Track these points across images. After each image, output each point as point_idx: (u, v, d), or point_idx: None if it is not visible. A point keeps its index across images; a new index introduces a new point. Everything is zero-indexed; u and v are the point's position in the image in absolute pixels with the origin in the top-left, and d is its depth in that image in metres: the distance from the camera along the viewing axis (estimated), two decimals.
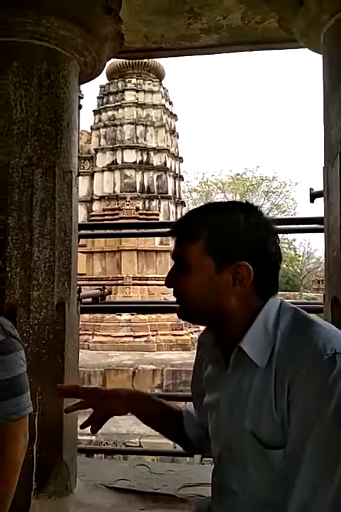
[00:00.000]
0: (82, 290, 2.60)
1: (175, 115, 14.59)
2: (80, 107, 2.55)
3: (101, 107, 13.95)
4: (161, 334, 10.92)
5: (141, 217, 11.92)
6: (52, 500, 2.03)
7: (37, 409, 1.90)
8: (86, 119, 21.73)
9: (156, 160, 13.62)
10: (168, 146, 13.82)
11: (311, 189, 2.27)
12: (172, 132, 14.37)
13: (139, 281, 11.54)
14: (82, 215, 12.65)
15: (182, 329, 11.28)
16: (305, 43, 2.17)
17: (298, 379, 0.87)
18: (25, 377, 1.40)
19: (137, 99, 13.60)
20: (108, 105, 13.83)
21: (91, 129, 14.10)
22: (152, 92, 13.77)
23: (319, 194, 2.19)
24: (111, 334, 10.85)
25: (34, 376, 1.86)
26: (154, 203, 13.57)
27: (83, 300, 2.67)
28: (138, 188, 13.44)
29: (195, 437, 1.20)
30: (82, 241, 10.33)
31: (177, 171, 14.52)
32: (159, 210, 13.31)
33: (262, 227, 0.98)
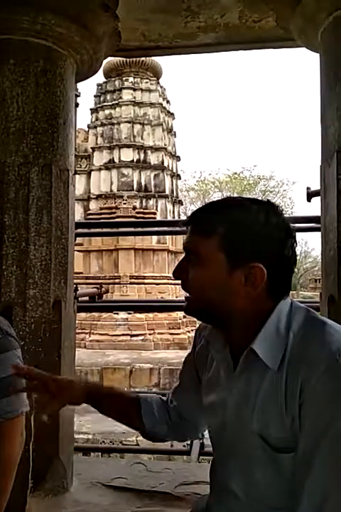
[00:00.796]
0: (79, 289, 2.60)
1: (172, 114, 14.57)
2: (77, 105, 2.54)
3: (98, 106, 13.91)
4: (158, 333, 10.92)
5: (138, 215, 11.91)
6: (48, 499, 2.03)
7: (33, 407, 1.89)
8: (83, 118, 21.72)
9: (153, 159, 13.60)
10: (165, 144, 13.80)
11: (308, 188, 2.27)
12: (170, 131, 14.35)
13: (136, 280, 11.51)
14: (78, 213, 12.61)
15: (179, 328, 11.28)
16: (302, 41, 2.17)
17: (311, 382, 0.85)
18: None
19: (134, 97, 13.57)
20: (105, 104, 13.80)
21: (89, 127, 14.06)
22: (149, 90, 13.74)
23: (316, 193, 2.19)
24: (108, 333, 10.85)
25: None
26: (151, 201, 13.55)
27: (80, 299, 2.66)
28: (135, 186, 13.42)
29: (151, 424, 1.17)
30: (79, 239, 10.29)
31: (174, 170, 14.51)
32: (156, 209, 13.30)
33: (281, 229, 0.94)
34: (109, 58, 12.97)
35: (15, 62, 2.03)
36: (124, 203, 12.75)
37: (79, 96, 2.55)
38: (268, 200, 1.00)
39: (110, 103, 13.71)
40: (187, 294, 0.99)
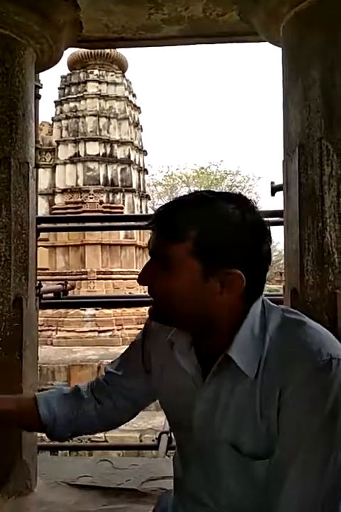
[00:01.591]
0: (43, 285, 2.55)
1: (138, 108, 14.48)
2: (39, 96, 2.48)
3: (62, 98, 13.66)
4: (126, 328, 10.87)
5: (104, 210, 11.79)
6: (12, 500, 1.99)
7: None
8: (47, 110, 21.27)
9: (120, 153, 13.49)
10: (131, 138, 13.71)
11: (272, 183, 2.29)
12: (136, 125, 14.26)
13: (104, 276, 11.43)
14: (43, 208, 12.38)
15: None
16: (265, 35, 2.18)
17: (292, 384, 0.82)
18: None
19: (100, 90, 13.39)
20: (70, 96, 13.56)
21: (53, 120, 13.79)
22: (115, 83, 13.59)
23: (279, 188, 2.21)
24: (75, 329, 10.72)
25: None
26: (118, 196, 13.45)
27: (44, 295, 2.61)
28: (101, 180, 13.28)
29: (51, 420, 1.07)
30: (44, 235, 10.11)
31: (141, 164, 14.45)
32: (123, 204, 13.21)
33: (258, 227, 0.88)
34: (73, 50, 12.76)
35: None
36: (91, 198, 12.59)
37: (41, 87, 2.48)
38: (240, 193, 0.93)
39: (75, 96, 13.48)
40: (156, 300, 0.91)
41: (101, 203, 12.59)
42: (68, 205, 12.50)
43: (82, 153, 13.27)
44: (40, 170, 12.20)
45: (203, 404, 0.92)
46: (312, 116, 1.84)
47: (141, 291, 11.51)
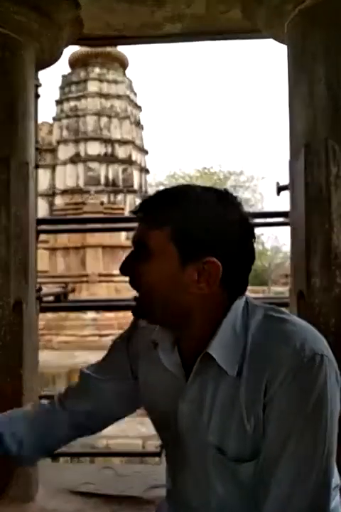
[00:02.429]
0: (44, 288, 2.51)
1: (139, 106, 14.45)
2: (38, 95, 2.44)
3: (63, 98, 13.60)
4: None
5: (105, 211, 11.75)
6: (13, 507, 1.98)
7: None
8: (48, 110, 21.27)
9: (121, 152, 13.45)
10: (133, 138, 13.66)
11: (278, 183, 2.27)
12: (137, 124, 14.23)
13: (105, 279, 11.38)
14: (43, 209, 12.33)
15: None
16: (268, 33, 2.15)
17: (277, 382, 0.82)
18: None
19: (100, 89, 13.34)
20: (70, 95, 13.51)
21: (54, 120, 13.75)
22: (116, 82, 13.53)
23: (285, 187, 2.18)
24: (76, 333, 10.65)
25: None
26: (119, 196, 13.41)
27: (45, 299, 2.57)
28: (102, 181, 13.23)
29: (17, 445, 1.02)
30: (44, 237, 10.08)
31: (142, 164, 14.41)
32: (125, 205, 13.18)
33: (240, 223, 0.88)
34: (74, 48, 12.75)
35: None
36: (91, 199, 12.55)
37: (40, 86, 2.45)
38: (226, 189, 0.92)
39: (75, 95, 13.43)
40: (136, 294, 0.90)
41: (102, 203, 12.54)
42: (68, 207, 12.46)
43: (82, 153, 13.22)
44: (40, 170, 12.12)
45: (187, 405, 0.91)
46: (318, 115, 1.82)
47: None
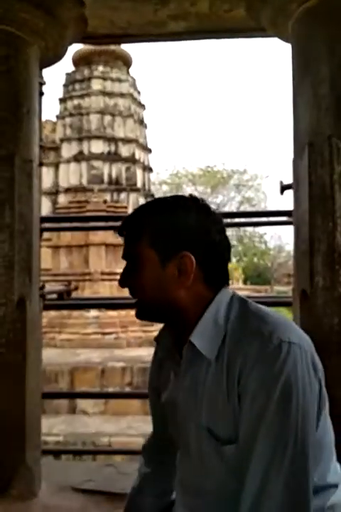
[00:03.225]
0: (47, 286, 2.52)
1: (143, 105, 14.41)
2: (42, 93, 2.44)
3: (66, 96, 13.58)
4: (131, 331, 10.77)
5: (109, 210, 11.74)
6: (16, 504, 1.98)
7: None
8: (51, 108, 21.27)
9: (124, 151, 13.42)
10: (136, 136, 13.63)
11: (281, 182, 2.26)
12: (141, 122, 14.19)
13: (108, 277, 11.35)
14: (46, 207, 12.31)
15: (152, 325, 11.17)
16: (273, 31, 2.14)
17: (246, 369, 0.87)
18: None
19: (104, 87, 13.31)
20: (74, 93, 13.47)
21: (57, 118, 13.73)
22: (119, 80, 13.49)
23: (288, 186, 2.18)
24: (79, 331, 10.62)
25: None
26: (123, 195, 13.39)
27: (47, 296, 2.58)
28: (105, 179, 13.21)
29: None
30: (48, 235, 10.08)
31: (146, 163, 14.39)
32: (128, 203, 13.16)
33: (204, 217, 0.98)
34: (78, 46, 12.73)
35: None
36: (95, 197, 12.54)
37: (44, 84, 2.45)
38: (191, 194, 1.04)
39: (79, 93, 13.39)
40: (136, 300, 1.02)
41: (105, 202, 12.52)
42: (72, 205, 12.45)
43: (86, 152, 13.20)
44: (43, 168, 12.15)
45: (183, 393, 0.99)
46: (322, 114, 1.81)
47: None
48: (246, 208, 28.01)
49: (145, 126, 14.52)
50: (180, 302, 0.97)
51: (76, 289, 3.71)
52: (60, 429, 6.63)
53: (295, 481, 0.83)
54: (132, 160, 13.51)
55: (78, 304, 3.59)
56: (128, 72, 13.95)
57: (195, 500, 0.99)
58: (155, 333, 1.13)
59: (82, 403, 7.37)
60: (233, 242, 28.69)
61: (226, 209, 27.26)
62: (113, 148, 13.38)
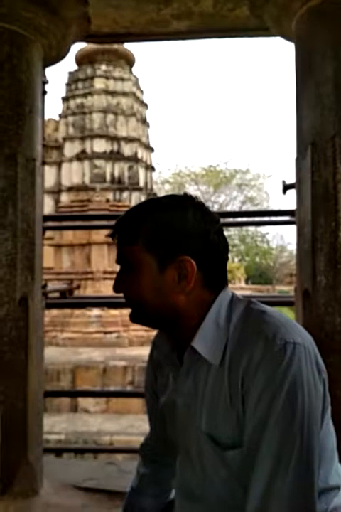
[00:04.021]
0: (49, 285, 2.52)
1: (145, 104, 14.40)
2: (45, 92, 2.45)
3: (69, 94, 13.58)
4: (133, 330, 10.79)
5: (111, 208, 11.74)
6: (18, 502, 1.98)
7: None
8: (54, 107, 21.31)
9: (127, 150, 13.42)
10: (139, 135, 13.63)
11: (284, 181, 2.26)
12: (144, 121, 14.18)
13: (110, 276, 11.34)
14: (49, 206, 12.31)
15: None
16: (276, 31, 2.14)
17: (250, 372, 0.85)
18: None
19: (107, 86, 13.30)
20: (77, 92, 13.47)
21: (60, 116, 13.73)
22: (122, 79, 13.48)
23: (291, 186, 2.17)
24: (81, 330, 10.64)
25: None
26: (125, 194, 13.38)
27: (50, 295, 2.58)
28: (108, 178, 13.21)
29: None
30: (50, 234, 10.09)
31: (148, 162, 14.38)
32: (130, 202, 13.15)
33: (201, 219, 0.94)
34: (81, 45, 12.72)
35: None
36: (97, 196, 12.54)
37: (47, 83, 2.46)
38: (186, 193, 1.00)
39: (82, 92, 13.39)
40: (130, 304, 0.99)
41: (107, 201, 12.53)
42: (74, 203, 12.45)
43: (88, 151, 13.20)
44: (46, 167, 12.16)
45: (183, 398, 0.96)
46: (325, 114, 1.80)
47: None
48: (248, 207, 28.00)
49: (148, 125, 14.51)
50: (179, 307, 0.93)
51: (78, 287, 3.72)
52: (61, 427, 6.64)
53: (302, 482, 0.82)
54: (134, 159, 13.50)
55: (80, 303, 3.59)
56: (131, 71, 13.93)
57: (195, 505, 0.97)
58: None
59: (84, 402, 7.38)
60: (235, 241, 28.72)
61: (229, 208, 27.28)
62: (115, 147, 13.37)
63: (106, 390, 7.42)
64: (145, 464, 1.19)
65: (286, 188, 2.23)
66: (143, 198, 13.48)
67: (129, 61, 13.90)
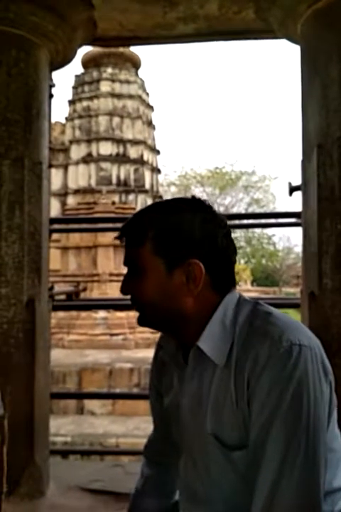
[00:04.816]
0: (55, 287, 2.53)
1: (151, 106, 14.42)
2: (52, 95, 2.46)
3: (76, 98, 13.63)
4: (139, 332, 10.78)
5: (117, 211, 11.75)
6: (24, 503, 1.99)
7: (6, 410, 1.84)
8: (61, 110, 21.39)
9: (133, 152, 13.44)
10: (144, 138, 13.65)
11: (290, 183, 2.25)
12: (149, 124, 14.20)
13: (116, 278, 11.35)
14: (55, 209, 12.37)
15: None
16: (282, 33, 2.14)
17: (256, 373, 0.85)
18: None
19: (113, 89, 13.34)
20: (83, 95, 13.52)
21: (66, 119, 13.79)
22: (128, 82, 13.51)
23: (297, 188, 2.17)
24: (87, 332, 10.65)
25: (3, 376, 1.80)
26: (131, 196, 13.40)
27: (56, 297, 2.59)
28: (114, 181, 13.23)
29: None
30: (56, 236, 10.12)
31: (154, 164, 14.40)
32: (136, 205, 13.17)
33: (210, 222, 0.94)
34: (87, 48, 12.77)
35: None
36: (103, 198, 12.57)
37: (53, 87, 2.47)
38: (194, 196, 1.00)
39: (88, 95, 13.44)
40: (138, 307, 0.98)
41: (113, 203, 12.55)
42: (80, 206, 12.49)
43: (94, 153, 13.24)
44: (52, 170, 12.20)
45: (188, 398, 0.96)
46: (331, 116, 1.80)
47: None
48: (254, 209, 27.91)
49: (154, 128, 14.53)
50: (186, 310, 0.93)
51: (84, 290, 3.73)
52: (67, 429, 6.65)
53: (307, 484, 0.82)
54: (140, 161, 13.53)
55: (86, 305, 3.61)
56: (136, 74, 13.97)
57: (199, 506, 0.97)
58: None
59: (90, 404, 7.39)
60: (241, 243, 28.64)
61: (235, 210, 27.20)
62: (121, 149, 13.40)
63: (112, 392, 7.43)
64: (149, 465, 1.19)
65: (292, 190, 2.23)
66: (149, 201, 13.51)
67: (135, 64, 13.93)
